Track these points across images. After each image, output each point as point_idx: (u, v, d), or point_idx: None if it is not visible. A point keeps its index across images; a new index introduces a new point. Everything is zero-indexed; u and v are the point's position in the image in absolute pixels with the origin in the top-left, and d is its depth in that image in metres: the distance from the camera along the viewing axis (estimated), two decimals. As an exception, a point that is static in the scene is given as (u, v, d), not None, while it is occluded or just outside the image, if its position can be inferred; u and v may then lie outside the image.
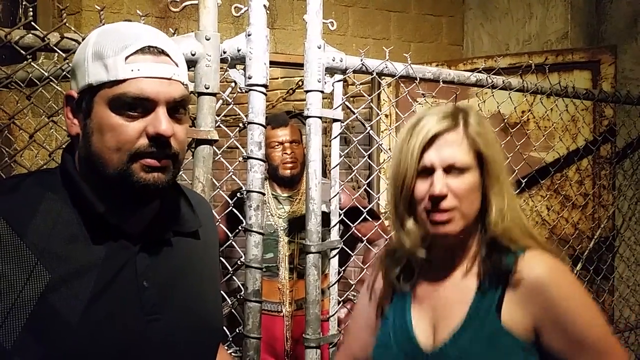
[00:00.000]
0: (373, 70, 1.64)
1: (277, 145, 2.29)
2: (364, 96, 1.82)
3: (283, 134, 2.30)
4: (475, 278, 1.02)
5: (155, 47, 0.82)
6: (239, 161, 1.46)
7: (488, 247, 1.02)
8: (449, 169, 0.99)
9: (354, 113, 1.68)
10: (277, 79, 3.27)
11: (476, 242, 1.04)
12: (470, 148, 1.00)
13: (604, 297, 2.45)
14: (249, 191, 1.39)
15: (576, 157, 2.41)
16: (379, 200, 2.60)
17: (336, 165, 1.58)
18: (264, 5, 1.37)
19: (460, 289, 1.03)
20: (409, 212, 1.03)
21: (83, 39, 1.25)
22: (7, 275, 0.76)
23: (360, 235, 1.92)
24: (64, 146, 0.91)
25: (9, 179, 0.89)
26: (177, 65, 0.84)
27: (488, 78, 1.89)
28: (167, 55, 0.83)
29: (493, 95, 1.97)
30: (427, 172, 1.00)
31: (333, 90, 1.56)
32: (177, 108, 0.83)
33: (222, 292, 1.11)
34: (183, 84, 0.85)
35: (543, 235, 1.10)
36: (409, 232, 1.04)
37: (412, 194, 1.01)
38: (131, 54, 0.80)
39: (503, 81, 1.93)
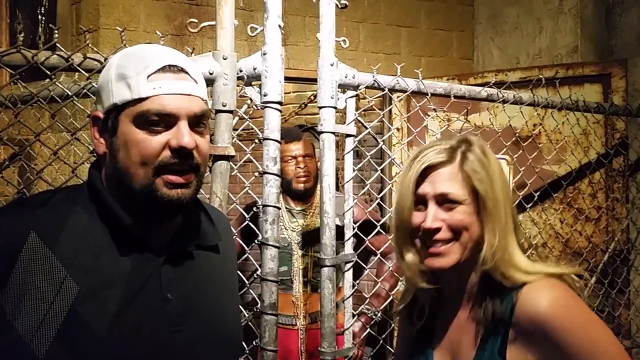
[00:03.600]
0: (385, 86, 1.66)
1: (291, 160, 2.32)
2: (375, 110, 1.85)
3: (296, 148, 2.33)
4: (480, 319, 1.01)
5: (175, 66, 0.86)
6: (255, 176, 1.49)
7: (483, 283, 1.01)
8: (442, 201, 1.00)
9: (366, 128, 1.71)
10: (290, 93, 3.32)
11: (476, 276, 1.03)
12: (465, 182, 1.00)
13: (620, 310, 2.43)
14: (264, 205, 1.42)
15: (588, 170, 2.41)
16: (392, 213, 2.62)
17: (349, 180, 1.60)
18: (279, 25, 1.41)
19: (469, 330, 1.03)
20: (409, 242, 1.05)
21: (105, 59, 1.30)
22: (39, 287, 0.79)
23: (373, 249, 1.93)
24: (87, 162, 0.95)
25: (39, 194, 0.93)
26: (196, 82, 0.88)
27: (499, 93, 1.91)
28: (187, 73, 0.87)
29: (504, 109, 1.99)
30: (423, 203, 1.01)
31: (346, 105, 1.59)
32: (198, 122, 0.87)
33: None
34: (202, 99, 0.88)
35: (545, 263, 1.05)
36: (408, 263, 1.06)
37: (409, 225, 1.03)
38: (152, 73, 0.84)
39: (514, 95, 1.95)
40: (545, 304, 0.95)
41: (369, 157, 1.85)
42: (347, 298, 1.60)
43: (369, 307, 2.24)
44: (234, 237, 1.23)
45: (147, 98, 0.83)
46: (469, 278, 1.03)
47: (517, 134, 2.11)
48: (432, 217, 0.99)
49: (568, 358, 0.93)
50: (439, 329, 1.09)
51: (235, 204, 1.51)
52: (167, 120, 0.84)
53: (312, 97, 3.13)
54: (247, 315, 1.54)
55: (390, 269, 2.14)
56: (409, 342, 1.16)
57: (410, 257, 1.05)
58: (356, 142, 1.62)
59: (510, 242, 1.01)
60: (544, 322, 0.94)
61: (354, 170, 1.61)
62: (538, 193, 2.13)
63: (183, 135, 0.84)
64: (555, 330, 0.93)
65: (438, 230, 0.99)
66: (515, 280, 0.99)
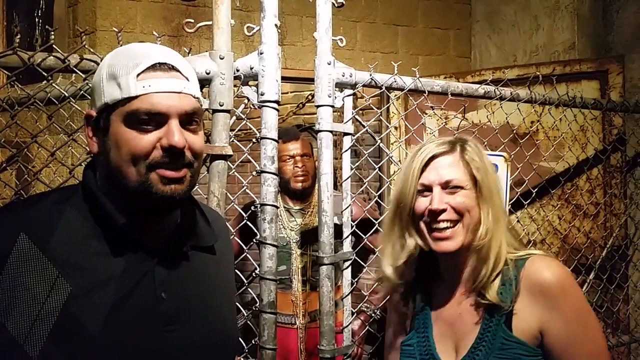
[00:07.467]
0: (382, 85, 1.67)
1: (289, 159, 2.32)
2: (373, 109, 1.85)
3: (294, 147, 2.33)
4: (482, 294, 1.09)
5: (165, 64, 0.86)
6: (253, 175, 1.49)
7: (481, 264, 1.09)
8: (446, 186, 1.10)
9: (364, 127, 1.71)
10: (287, 93, 3.32)
11: (473, 259, 1.11)
12: (465, 170, 1.11)
13: (619, 305, 2.44)
14: (262, 204, 1.42)
15: (586, 167, 2.41)
16: (388, 207, 2.61)
17: (347, 178, 1.60)
18: (275, 25, 1.41)
19: (471, 307, 1.12)
20: (412, 228, 1.14)
21: (101, 60, 1.30)
22: (29, 287, 0.79)
23: (372, 247, 1.93)
24: (83, 163, 0.95)
25: (32, 196, 0.93)
26: (187, 80, 0.87)
27: (496, 90, 1.91)
28: (178, 70, 0.86)
29: (501, 107, 1.99)
30: (427, 190, 1.11)
31: (343, 104, 1.59)
32: (190, 120, 0.87)
33: (236, 304, 1.13)
34: (194, 97, 0.88)
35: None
36: (401, 248, 1.15)
37: (412, 212, 1.12)
38: (142, 72, 0.84)
39: (511, 93, 1.95)
40: (551, 271, 1.06)
41: (366, 155, 1.86)
42: (346, 296, 1.60)
43: (368, 305, 2.25)
44: (232, 237, 1.23)
45: (136, 97, 0.83)
46: (467, 260, 1.12)
47: (515, 131, 2.11)
48: (438, 199, 1.08)
49: (564, 321, 1.04)
50: (436, 311, 1.17)
51: (233, 203, 1.51)
52: (157, 119, 0.84)
53: (310, 97, 3.14)
54: (246, 314, 1.55)
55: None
56: (402, 330, 1.23)
57: (411, 241, 1.14)
58: (354, 141, 1.62)
59: (502, 225, 1.12)
60: (549, 286, 1.04)
61: (351, 169, 1.61)
62: (536, 190, 2.14)
63: (173, 134, 0.83)
64: (559, 294, 1.04)
65: (444, 211, 1.08)
66: (506, 256, 1.09)
